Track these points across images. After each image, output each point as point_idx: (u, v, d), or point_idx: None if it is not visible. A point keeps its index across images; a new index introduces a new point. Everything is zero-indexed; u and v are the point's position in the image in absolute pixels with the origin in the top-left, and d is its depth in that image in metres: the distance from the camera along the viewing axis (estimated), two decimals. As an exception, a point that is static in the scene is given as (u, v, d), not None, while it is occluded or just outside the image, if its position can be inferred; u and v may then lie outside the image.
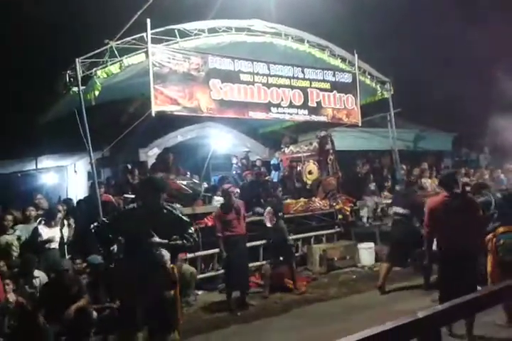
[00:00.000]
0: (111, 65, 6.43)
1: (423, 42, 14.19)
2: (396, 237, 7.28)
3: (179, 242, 4.19)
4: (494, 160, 15.70)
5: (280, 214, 7.74)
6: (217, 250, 7.88)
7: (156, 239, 4.09)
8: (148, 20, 6.50)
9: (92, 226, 4.41)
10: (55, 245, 6.76)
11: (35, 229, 6.69)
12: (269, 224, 7.59)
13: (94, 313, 5.67)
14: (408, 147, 14.01)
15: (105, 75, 6.41)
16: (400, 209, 7.37)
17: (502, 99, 12.22)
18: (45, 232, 6.70)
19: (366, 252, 8.95)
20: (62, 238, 6.89)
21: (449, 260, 4.72)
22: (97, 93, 6.35)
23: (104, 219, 4.70)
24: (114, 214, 4.91)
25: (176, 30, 6.86)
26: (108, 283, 5.84)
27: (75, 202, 8.79)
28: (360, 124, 9.82)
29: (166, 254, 4.16)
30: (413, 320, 1.75)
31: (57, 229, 6.88)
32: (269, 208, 7.71)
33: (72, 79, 6.50)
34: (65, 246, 7.06)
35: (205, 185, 10.53)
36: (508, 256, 5.23)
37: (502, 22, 11.27)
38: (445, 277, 4.80)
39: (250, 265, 8.37)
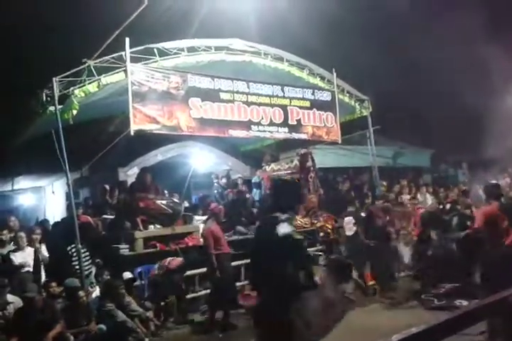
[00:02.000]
0: (89, 83, 6.37)
1: (401, 61, 14.47)
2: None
3: None
4: (472, 176, 15.95)
5: None
6: (198, 271, 7.76)
7: None
8: (127, 39, 6.48)
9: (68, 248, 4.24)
10: (28, 268, 6.53)
11: (7, 254, 6.48)
12: (349, 233, 8.21)
13: (72, 338, 5.48)
14: (388, 164, 14.17)
15: (83, 94, 6.33)
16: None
17: (480, 116, 12.49)
18: (17, 256, 6.48)
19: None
20: (37, 260, 6.66)
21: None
22: (74, 112, 6.27)
23: None
24: None
25: (155, 49, 6.86)
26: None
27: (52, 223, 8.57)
28: (340, 142, 9.89)
29: None
30: None
31: (31, 251, 6.66)
32: (350, 218, 8.35)
33: (49, 98, 6.41)
34: (42, 269, 6.84)
35: (186, 204, 10.42)
36: None
37: (480, 40, 11.60)
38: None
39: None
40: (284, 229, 3.40)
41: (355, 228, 8.35)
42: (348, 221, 8.52)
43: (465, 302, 6.39)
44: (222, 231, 7.00)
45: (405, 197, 11.28)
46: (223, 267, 6.74)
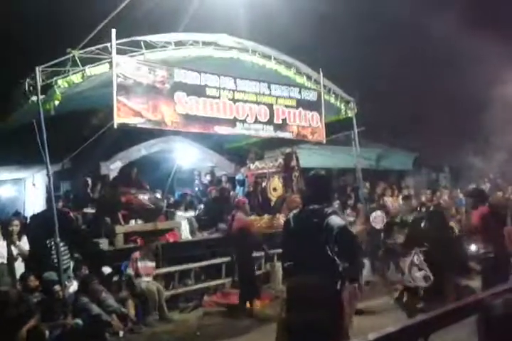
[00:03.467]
0: (73, 74, 6.25)
1: (387, 64, 14.58)
2: None
3: None
4: (453, 180, 16.18)
5: None
6: (178, 268, 7.72)
7: None
8: (114, 31, 6.37)
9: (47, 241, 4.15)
10: (2, 260, 6.39)
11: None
12: (378, 227, 8.76)
13: (47, 332, 5.39)
14: (371, 166, 14.26)
15: (66, 85, 6.22)
16: None
17: (463, 121, 12.65)
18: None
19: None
20: (11, 253, 6.50)
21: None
22: (56, 103, 6.16)
23: None
24: None
25: (141, 42, 6.77)
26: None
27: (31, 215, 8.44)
28: (324, 142, 9.90)
29: None
30: None
31: (4, 244, 6.52)
32: (379, 212, 9.01)
33: (31, 87, 6.28)
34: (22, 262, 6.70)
35: (172, 199, 10.36)
36: None
37: (469, 44, 11.74)
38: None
39: (213, 283, 8.23)
40: (338, 220, 3.44)
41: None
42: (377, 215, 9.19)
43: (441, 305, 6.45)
44: None
45: (387, 200, 11.37)
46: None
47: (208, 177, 11.79)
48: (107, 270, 7.07)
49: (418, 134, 15.01)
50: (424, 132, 14.66)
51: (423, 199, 11.76)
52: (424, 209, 10.12)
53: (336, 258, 3.30)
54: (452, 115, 13.04)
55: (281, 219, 9.62)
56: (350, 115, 10.09)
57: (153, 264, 7.21)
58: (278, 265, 8.70)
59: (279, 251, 9.00)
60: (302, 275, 3.30)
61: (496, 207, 7.08)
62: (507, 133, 12.55)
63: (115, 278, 7.01)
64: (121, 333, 6.11)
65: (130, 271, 6.93)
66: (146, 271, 7.07)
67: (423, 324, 1.98)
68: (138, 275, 6.97)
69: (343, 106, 10.03)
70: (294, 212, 3.67)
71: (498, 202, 11.02)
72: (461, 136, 13.96)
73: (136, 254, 7.06)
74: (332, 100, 9.82)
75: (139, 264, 7.01)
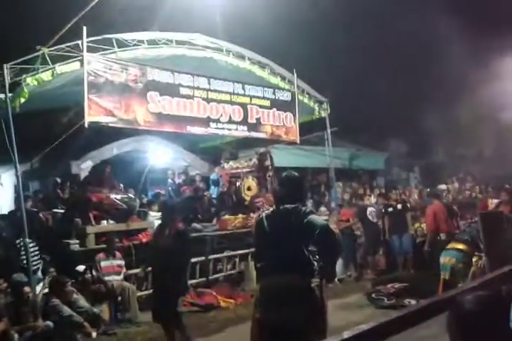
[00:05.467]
0: (42, 72, 6.13)
1: (360, 65, 14.78)
2: None
3: None
4: (423, 179, 16.52)
5: None
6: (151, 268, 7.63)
7: None
8: (84, 28, 6.28)
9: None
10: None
11: None
12: (375, 220, 9.46)
13: (16, 336, 5.26)
14: (344, 165, 14.43)
15: (36, 82, 6.10)
16: None
17: (433, 123, 12.92)
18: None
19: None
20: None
21: None
22: (22, 100, 6.02)
23: None
24: None
25: (113, 40, 6.68)
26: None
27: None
28: (298, 142, 9.99)
29: None
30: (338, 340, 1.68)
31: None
32: (372, 208, 9.60)
33: (-1, 85, 6.13)
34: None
35: (145, 199, 10.24)
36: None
37: (444, 41, 12.00)
38: None
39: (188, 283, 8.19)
40: (319, 219, 3.56)
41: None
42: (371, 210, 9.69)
43: (413, 301, 6.60)
44: None
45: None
46: None
47: (182, 177, 11.71)
48: (81, 268, 6.95)
49: (389, 134, 15.28)
50: (395, 132, 14.92)
51: (393, 198, 11.96)
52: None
53: (311, 257, 3.31)
54: (423, 116, 13.31)
55: (255, 218, 9.65)
56: (323, 115, 10.20)
57: (121, 263, 7.12)
58: (252, 264, 8.72)
59: (254, 250, 9.09)
60: (279, 275, 3.27)
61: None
62: (475, 133, 12.91)
63: (88, 277, 6.90)
64: (93, 334, 6.01)
65: (94, 272, 6.84)
66: (112, 270, 6.98)
67: (397, 320, 2.01)
68: (104, 275, 6.88)
69: (316, 107, 10.14)
70: (266, 212, 3.65)
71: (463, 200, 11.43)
72: (431, 136, 14.26)
73: (100, 255, 6.98)
74: (306, 100, 9.92)
75: (103, 264, 6.92)
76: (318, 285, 3.33)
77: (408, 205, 9.84)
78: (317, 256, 3.35)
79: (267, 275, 3.38)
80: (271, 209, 3.67)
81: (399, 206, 9.53)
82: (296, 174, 3.75)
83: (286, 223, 3.37)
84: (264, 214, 3.59)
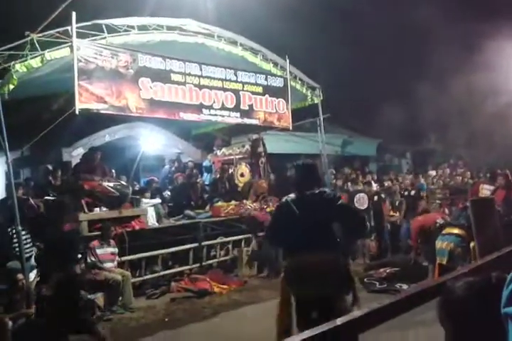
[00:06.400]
0: (31, 58, 6.03)
1: (353, 51, 14.69)
2: None
3: None
4: (415, 165, 16.62)
5: None
6: (145, 254, 7.67)
7: None
8: (74, 13, 6.17)
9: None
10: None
11: None
12: (363, 208, 9.27)
13: (10, 323, 5.28)
14: (336, 152, 14.47)
15: (25, 69, 6.00)
16: None
17: (425, 109, 12.95)
18: None
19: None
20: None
21: None
22: (11, 87, 5.93)
23: None
24: None
25: (103, 25, 6.58)
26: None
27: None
28: (291, 128, 9.98)
29: None
30: (331, 327, 1.70)
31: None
32: (362, 194, 9.60)
33: (-13, 71, 6.04)
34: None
35: (137, 186, 10.22)
36: None
37: (437, 31, 11.95)
38: None
39: (180, 269, 8.24)
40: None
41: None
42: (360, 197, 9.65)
43: (405, 286, 6.70)
44: None
45: (350, 185, 11.56)
46: None
47: (175, 164, 11.69)
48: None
49: (382, 121, 15.29)
50: (387, 118, 14.93)
51: (385, 184, 12.05)
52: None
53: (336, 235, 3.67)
54: (414, 102, 13.32)
55: (248, 205, 9.68)
56: (316, 101, 10.16)
57: (114, 250, 7.13)
58: (246, 250, 8.78)
59: (247, 236, 9.15)
60: (313, 252, 3.50)
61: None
62: (466, 119, 12.94)
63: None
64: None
65: (90, 259, 6.85)
66: (107, 257, 7.00)
67: (390, 306, 2.05)
68: (99, 262, 6.90)
69: (309, 93, 10.09)
70: (291, 196, 3.81)
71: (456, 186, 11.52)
72: (423, 123, 14.30)
73: (95, 242, 6.98)
74: (298, 87, 9.87)
75: (98, 251, 6.93)
76: (346, 260, 3.82)
77: (423, 193, 10.04)
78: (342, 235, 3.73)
79: (300, 253, 3.58)
80: (292, 194, 3.83)
81: (412, 192, 9.74)
82: (312, 161, 4.13)
83: (317, 206, 3.64)
84: (289, 199, 3.79)
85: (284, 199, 3.88)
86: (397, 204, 10.47)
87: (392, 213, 10.34)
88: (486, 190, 8.81)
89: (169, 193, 10.55)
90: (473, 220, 3.50)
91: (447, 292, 1.33)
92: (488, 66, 10.93)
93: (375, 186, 11.60)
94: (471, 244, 5.53)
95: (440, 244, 6.12)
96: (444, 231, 6.28)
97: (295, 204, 3.71)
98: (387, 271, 7.31)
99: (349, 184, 11.50)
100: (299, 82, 9.88)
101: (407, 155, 17.59)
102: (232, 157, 11.29)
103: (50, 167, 8.99)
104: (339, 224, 3.72)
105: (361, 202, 9.51)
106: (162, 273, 7.96)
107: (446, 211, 9.03)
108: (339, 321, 1.70)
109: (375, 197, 9.91)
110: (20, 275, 5.79)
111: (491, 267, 2.44)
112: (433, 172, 13.69)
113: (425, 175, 13.00)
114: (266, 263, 8.48)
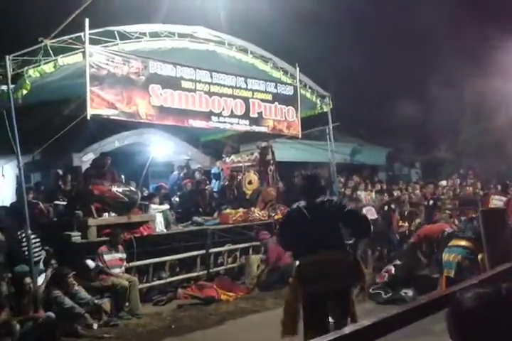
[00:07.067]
0: (44, 64, 6.11)
1: (364, 60, 14.72)
2: None
3: None
4: (425, 175, 16.51)
5: None
6: (152, 260, 7.67)
7: None
8: (87, 20, 6.24)
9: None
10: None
11: None
12: (373, 217, 9.15)
13: (18, 326, 5.30)
14: (345, 160, 14.43)
15: (38, 74, 6.07)
16: None
17: (436, 119, 12.90)
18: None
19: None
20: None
21: None
22: (24, 92, 6.01)
23: None
24: None
25: (115, 32, 6.65)
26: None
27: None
28: (300, 136, 9.97)
29: None
30: (339, 336, 1.68)
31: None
32: (369, 206, 9.72)
33: (1, 77, 6.12)
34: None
35: (146, 192, 10.26)
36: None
37: (448, 40, 11.94)
38: None
39: (187, 276, 8.22)
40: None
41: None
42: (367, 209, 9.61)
43: (410, 292, 6.64)
44: None
45: (361, 194, 11.51)
46: None
47: (184, 170, 11.72)
48: (91, 264, 6.97)
49: (392, 130, 15.26)
50: (397, 128, 14.90)
51: (394, 193, 11.98)
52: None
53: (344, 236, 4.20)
54: (426, 111, 13.28)
55: (256, 212, 9.66)
56: (325, 110, 10.15)
57: (122, 256, 7.14)
58: (253, 258, 8.75)
59: (255, 244, 9.11)
60: (324, 252, 3.98)
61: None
62: (477, 129, 12.88)
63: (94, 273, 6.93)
64: (95, 326, 6.06)
65: (98, 264, 6.86)
66: (115, 263, 7.00)
67: (397, 316, 2.02)
68: (107, 267, 6.91)
69: (318, 101, 10.09)
70: (302, 203, 4.25)
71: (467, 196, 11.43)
72: (434, 133, 14.24)
73: (103, 248, 6.99)
74: (308, 95, 9.87)
75: (106, 257, 6.94)
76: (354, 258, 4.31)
77: (439, 203, 9.96)
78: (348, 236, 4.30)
79: (314, 252, 4.02)
80: (302, 201, 4.27)
81: (431, 202, 9.70)
82: (316, 172, 5.20)
83: (327, 212, 4.14)
84: (300, 205, 4.24)
85: (295, 205, 4.31)
86: (405, 214, 10.36)
87: (401, 223, 10.24)
88: (497, 201, 8.72)
89: (178, 199, 10.57)
90: (483, 231, 3.46)
91: (456, 303, 1.31)
92: (501, 76, 10.89)
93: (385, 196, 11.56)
94: (479, 256, 5.46)
95: (447, 256, 6.02)
96: (450, 244, 6.18)
97: (306, 210, 4.16)
98: (389, 270, 7.24)
99: (358, 193, 11.45)
100: (309, 90, 9.89)
101: (417, 164, 17.48)
102: (240, 164, 11.29)
103: (60, 172, 9.07)
104: (346, 227, 4.21)
105: (370, 213, 9.36)
106: (169, 279, 7.95)
107: (456, 221, 8.94)
108: (347, 330, 1.68)
109: (385, 207, 9.81)
110: (28, 279, 5.82)
111: (501, 278, 2.41)
112: (444, 183, 13.59)
113: (437, 185, 12.91)
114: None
